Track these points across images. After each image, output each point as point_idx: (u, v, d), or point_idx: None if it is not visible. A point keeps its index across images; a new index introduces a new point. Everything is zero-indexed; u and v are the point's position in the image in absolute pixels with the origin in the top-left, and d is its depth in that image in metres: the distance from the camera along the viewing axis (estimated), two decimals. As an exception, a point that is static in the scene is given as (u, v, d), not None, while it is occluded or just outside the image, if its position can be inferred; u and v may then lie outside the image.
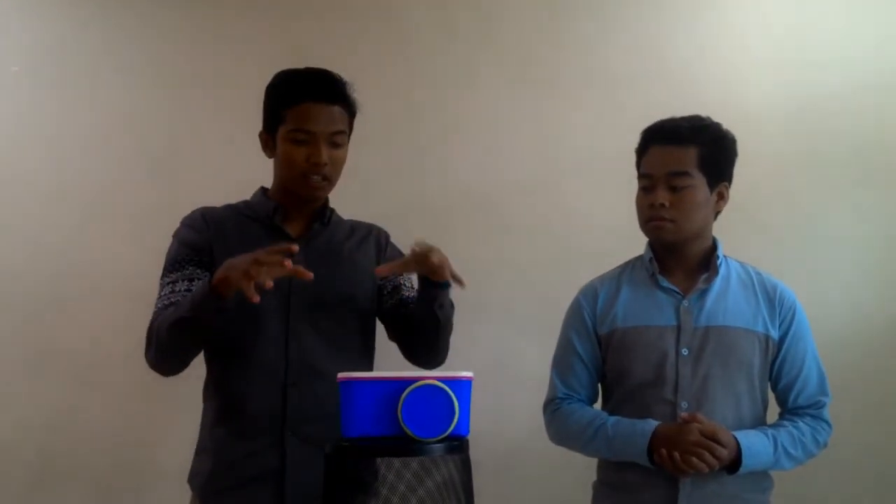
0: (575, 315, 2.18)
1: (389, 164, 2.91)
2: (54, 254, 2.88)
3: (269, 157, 2.08)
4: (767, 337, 2.08)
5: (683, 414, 1.97)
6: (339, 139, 2.02)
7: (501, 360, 2.81)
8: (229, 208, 2.12)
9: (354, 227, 2.18)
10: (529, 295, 2.83)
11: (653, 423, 1.99)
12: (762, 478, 2.07)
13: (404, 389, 1.50)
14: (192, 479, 2.03)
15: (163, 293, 1.98)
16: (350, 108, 2.07)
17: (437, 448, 1.50)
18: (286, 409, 1.95)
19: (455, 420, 1.50)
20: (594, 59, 2.99)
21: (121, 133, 2.94)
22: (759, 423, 2.08)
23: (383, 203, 2.73)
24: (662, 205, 2.04)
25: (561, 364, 2.18)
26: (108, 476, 2.81)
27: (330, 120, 2.01)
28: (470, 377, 1.55)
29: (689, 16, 2.99)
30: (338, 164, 2.04)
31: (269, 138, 2.06)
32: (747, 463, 1.96)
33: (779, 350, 2.09)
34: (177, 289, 1.96)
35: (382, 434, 1.51)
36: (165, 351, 1.92)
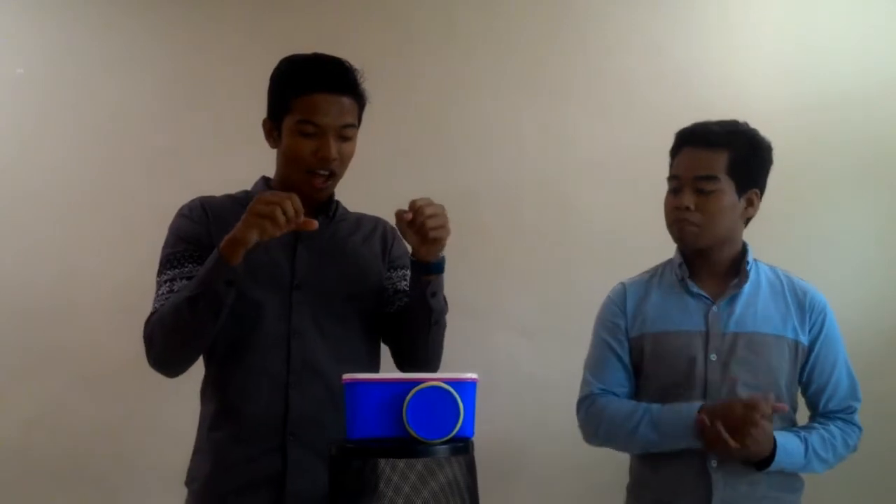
0: (607, 315, 2.18)
1: (393, 166, 2.92)
2: (55, 255, 2.89)
3: (273, 146, 1.98)
4: (797, 342, 2.07)
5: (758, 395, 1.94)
6: (348, 132, 1.93)
7: (506, 363, 2.80)
8: (229, 198, 2.03)
9: (360, 220, 2.10)
10: (535, 297, 2.83)
11: (697, 404, 1.99)
12: (793, 478, 2.07)
13: (409, 391, 1.50)
14: (190, 482, 1.96)
15: (160, 292, 1.90)
16: (360, 99, 1.97)
17: (442, 450, 1.49)
18: (287, 413, 1.89)
19: (460, 422, 1.50)
20: (600, 62, 2.99)
21: (121, 135, 2.95)
22: (790, 425, 2.08)
23: (386, 204, 2.72)
24: (688, 207, 2.03)
25: (595, 363, 2.17)
26: (108, 477, 2.81)
27: (340, 112, 1.90)
28: (475, 379, 1.55)
29: (695, 17, 2.99)
30: (346, 159, 1.95)
31: (273, 127, 1.96)
32: (780, 459, 1.96)
33: (809, 355, 2.08)
34: (175, 288, 1.88)
35: (387, 435, 1.51)
36: (169, 344, 1.84)
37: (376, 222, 2.12)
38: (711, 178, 2.03)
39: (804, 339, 2.08)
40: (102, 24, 2.99)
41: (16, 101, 2.95)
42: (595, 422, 2.12)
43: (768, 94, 2.94)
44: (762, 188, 2.12)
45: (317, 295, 1.94)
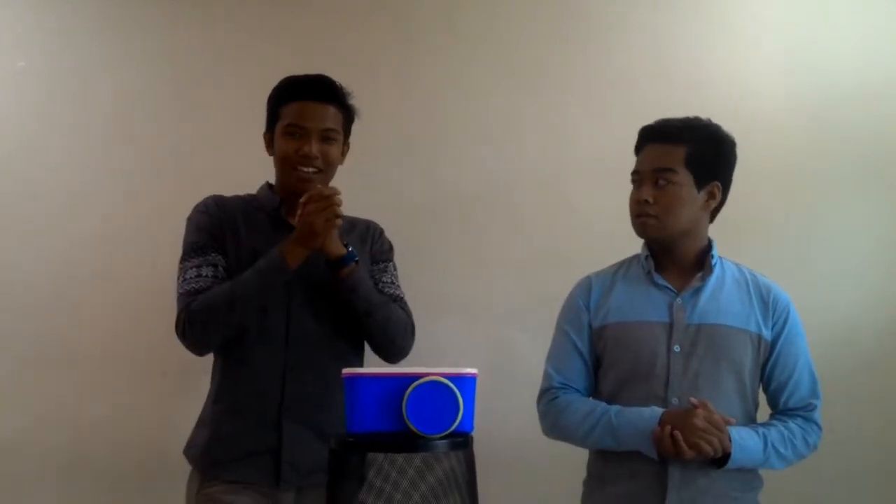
0: (570, 308, 2.21)
1: (393, 164, 2.92)
2: (57, 251, 2.88)
3: (270, 154, 2.18)
4: (760, 337, 2.09)
5: (693, 400, 1.97)
6: (331, 135, 2.12)
7: (504, 358, 2.80)
8: (238, 198, 2.22)
9: (353, 223, 2.25)
10: (533, 293, 2.83)
11: (658, 410, 1.99)
12: (751, 476, 2.07)
13: (409, 385, 1.51)
14: (188, 449, 2.14)
15: (188, 276, 2.08)
16: (346, 111, 2.17)
17: (442, 444, 1.50)
18: (284, 392, 2.07)
19: (459, 416, 1.51)
20: (600, 60, 2.98)
21: (124, 130, 2.95)
22: (749, 422, 2.09)
23: (387, 203, 2.73)
24: (647, 201, 2.07)
25: (556, 356, 2.19)
26: (113, 472, 2.81)
27: (323, 117, 2.11)
28: (474, 374, 1.56)
29: (696, 16, 2.99)
30: (329, 159, 2.13)
31: (269, 137, 2.18)
32: (736, 457, 1.97)
33: (771, 351, 2.10)
34: (203, 273, 2.07)
35: (387, 430, 1.51)
36: (214, 330, 2.03)
37: (367, 224, 2.30)
38: (668, 170, 2.06)
39: (767, 335, 2.09)
40: (104, 17, 2.98)
41: (17, 95, 2.94)
42: (552, 418, 2.14)
43: (770, 93, 2.93)
44: (725, 182, 2.13)
45: (313, 289, 2.11)
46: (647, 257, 2.16)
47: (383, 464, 1.53)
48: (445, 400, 1.51)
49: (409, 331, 2.21)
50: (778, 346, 2.09)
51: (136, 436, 2.81)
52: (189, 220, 2.17)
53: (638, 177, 2.12)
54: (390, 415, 1.51)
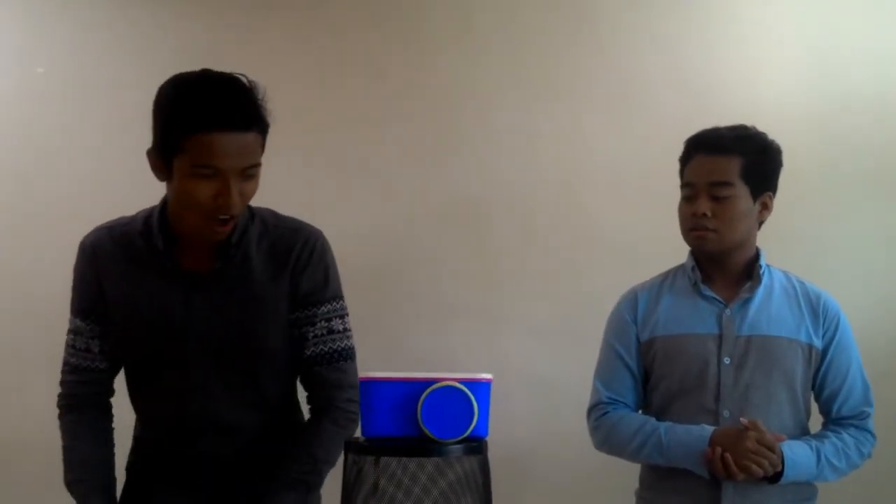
0: (616, 322, 2.18)
1: (406, 168, 2.92)
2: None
3: (161, 180, 1.74)
4: (811, 346, 2.07)
5: (744, 420, 1.96)
6: (252, 171, 1.67)
7: (518, 365, 2.81)
8: (123, 235, 1.82)
9: (274, 244, 1.80)
10: (548, 301, 2.84)
11: (709, 429, 1.98)
12: (806, 487, 2.06)
13: (424, 390, 1.51)
14: (126, 469, 1.97)
15: (67, 340, 1.89)
16: (264, 128, 1.69)
17: (457, 449, 1.50)
18: (200, 457, 1.83)
19: (474, 421, 1.50)
20: (614, 66, 2.99)
21: (144, 135, 2.96)
22: (801, 432, 2.07)
23: (401, 209, 2.74)
24: (704, 214, 2.04)
25: (604, 370, 2.17)
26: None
27: (242, 152, 1.63)
28: (489, 379, 1.56)
29: (711, 22, 2.99)
30: (248, 198, 1.70)
31: (160, 163, 1.69)
32: (789, 474, 1.95)
33: (822, 360, 2.08)
34: (77, 345, 1.87)
35: (401, 434, 1.52)
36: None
37: (292, 244, 1.81)
38: (726, 184, 2.04)
39: (818, 344, 2.08)
40: (124, 21, 3.01)
41: (39, 101, 2.98)
42: (602, 434, 2.14)
43: (784, 99, 2.93)
44: (775, 190, 2.13)
45: (215, 347, 1.77)
46: (693, 268, 2.13)
47: (395, 471, 1.53)
48: (460, 405, 1.51)
49: (350, 430, 1.81)
50: (829, 355, 2.08)
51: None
52: (74, 266, 1.89)
53: (692, 190, 2.08)
54: (405, 419, 1.52)
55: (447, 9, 3.03)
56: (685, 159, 2.13)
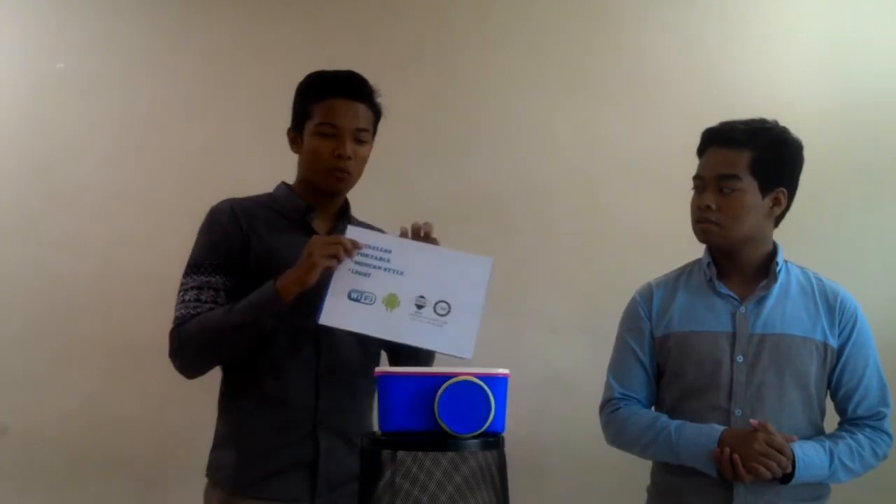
0: (631, 316, 2.17)
1: (425, 162, 2.93)
2: (93, 249, 2.93)
3: (296, 152, 2.12)
4: (826, 345, 2.04)
5: (753, 421, 1.95)
6: (363, 136, 2.06)
7: (535, 360, 2.81)
8: (254, 201, 2.12)
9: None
10: (565, 295, 2.84)
11: (718, 429, 1.97)
12: (818, 486, 2.04)
13: (441, 385, 1.51)
14: (215, 472, 2.05)
15: (187, 297, 1.98)
16: (375, 109, 2.10)
17: (473, 444, 1.51)
18: (318, 403, 2.00)
19: (491, 416, 1.51)
20: (634, 60, 2.99)
21: (160, 129, 2.98)
22: (815, 431, 2.05)
23: (419, 205, 2.74)
24: (709, 207, 2.03)
25: (617, 366, 2.16)
26: (144, 467, 2.85)
27: (355, 116, 2.05)
28: (506, 374, 1.56)
29: (730, 17, 2.98)
30: (360, 161, 2.07)
31: (296, 135, 2.11)
32: (800, 475, 1.93)
33: (838, 358, 2.06)
34: (202, 297, 1.97)
35: (418, 428, 1.52)
36: (204, 356, 1.97)
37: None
38: (733, 177, 2.02)
39: (833, 342, 2.05)
40: (142, 18, 3.03)
41: (58, 95, 3.00)
42: (613, 430, 2.13)
43: (802, 94, 2.92)
44: (791, 187, 2.09)
45: None
46: (709, 264, 2.12)
47: (411, 466, 1.54)
48: (477, 400, 1.51)
49: None
50: (845, 353, 2.06)
51: (167, 433, 2.85)
52: (201, 229, 2.07)
53: (701, 182, 2.07)
54: (422, 414, 1.52)
55: (467, 5, 3.03)
56: (701, 151, 2.12)
